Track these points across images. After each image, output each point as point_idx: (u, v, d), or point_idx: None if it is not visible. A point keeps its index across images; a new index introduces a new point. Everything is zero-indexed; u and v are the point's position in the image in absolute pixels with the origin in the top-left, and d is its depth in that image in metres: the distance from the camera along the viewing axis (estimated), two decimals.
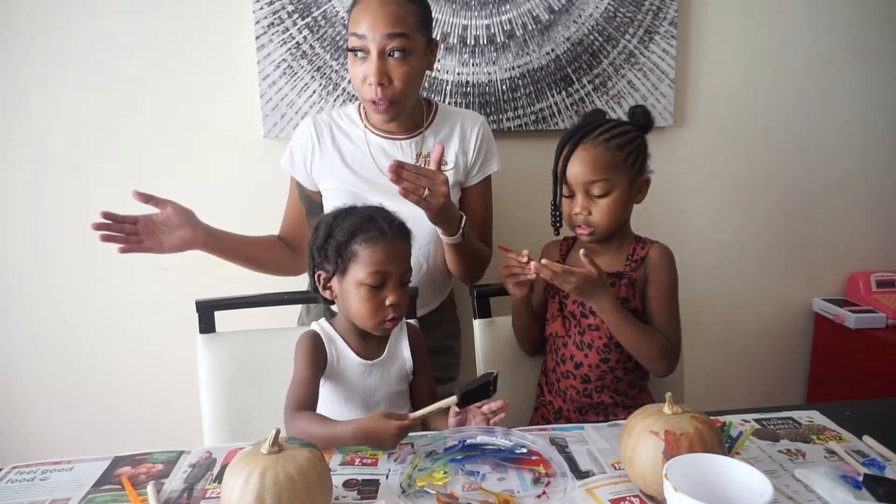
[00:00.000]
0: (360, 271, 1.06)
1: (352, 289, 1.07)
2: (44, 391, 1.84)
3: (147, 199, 1.23)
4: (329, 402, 1.15)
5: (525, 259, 1.17)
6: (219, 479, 0.93)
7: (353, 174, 1.38)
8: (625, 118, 1.27)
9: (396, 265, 1.07)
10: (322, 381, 1.12)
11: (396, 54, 1.24)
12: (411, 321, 1.30)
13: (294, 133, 1.44)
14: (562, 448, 0.99)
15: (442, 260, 1.45)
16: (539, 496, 0.86)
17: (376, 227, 1.07)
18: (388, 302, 1.06)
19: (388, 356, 1.15)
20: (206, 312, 1.32)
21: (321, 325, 1.15)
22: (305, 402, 1.05)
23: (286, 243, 1.47)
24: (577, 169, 1.18)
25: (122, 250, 1.21)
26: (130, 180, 1.74)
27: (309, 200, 1.45)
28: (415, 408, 1.15)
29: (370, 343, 1.14)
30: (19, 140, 1.71)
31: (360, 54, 1.26)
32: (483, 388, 0.99)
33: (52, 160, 1.72)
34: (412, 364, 1.17)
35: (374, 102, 1.28)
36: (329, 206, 1.39)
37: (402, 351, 1.17)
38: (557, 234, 1.31)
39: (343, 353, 1.13)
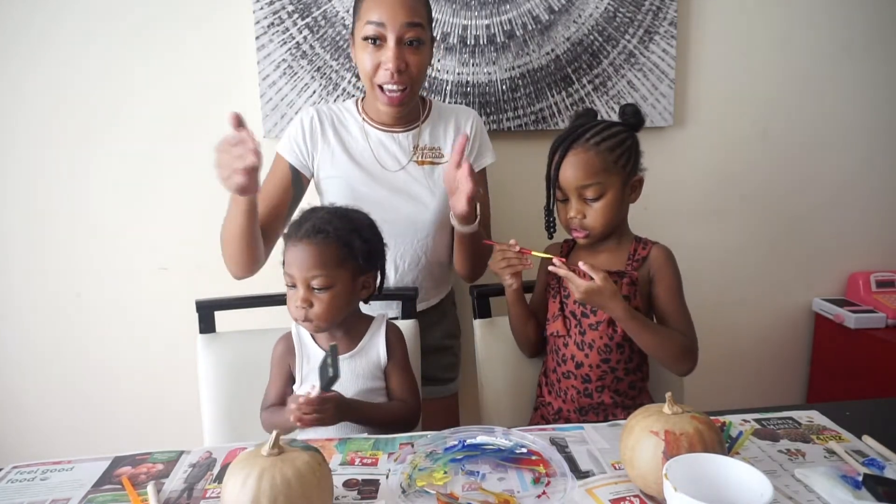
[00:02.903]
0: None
1: None
2: (44, 391, 1.84)
3: (239, 124, 1.09)
4: None
5: (517, 248, 1.21)
6: (219, 479, 0.93)
7: (355, 165, 1.39)
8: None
9: (297, 268, 1.08)
10: (301, 380, 1.16)
11: (413, 43, 1.27)
12: (396, 321, 1.29)
13: (294, 121, 1.41)
14: (562, 448, 0.99)
15: (442, 254, 1.46)
16: (539, 496, 0.86)
17: (293, 229, 1.10)
18: (295, 303, 1.08)
19: (358, 351, 1.16)
20: (206, 312, 1.32)
21: (296, 325, 1.17)
22: (272, 402, 1.16)
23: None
24: (570, 174, 1.19)
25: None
26: (130, 179, 1.76)
27: (298, 184, 1.41)
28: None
29: (338, 339, 1.16)
30: (19, 139, 1.71)
31: (376, 42, 1.27)
32: (324, 370, 1.01)
33: (52, 159, 1.72)
34: (386, 360, 1.17)
35: (384, 90, 1.29)
36: (328, 196, 1.39)
37: (376, 346, 1.17)
38: (551, 237, 1.32)
39: (311, 352, 1.16)
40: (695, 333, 1.23)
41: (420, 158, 1.40)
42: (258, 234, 1.25)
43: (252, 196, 1.16)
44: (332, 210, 1.14)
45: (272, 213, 1.37)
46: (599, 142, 1.18)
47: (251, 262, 1.29)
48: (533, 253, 1.21)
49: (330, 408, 1.03)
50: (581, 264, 1.14)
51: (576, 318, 1.25)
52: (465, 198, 1.18)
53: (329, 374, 0.99)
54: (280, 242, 1.17)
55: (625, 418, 0.92)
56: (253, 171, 1.08)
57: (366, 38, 1.27)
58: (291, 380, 1.18)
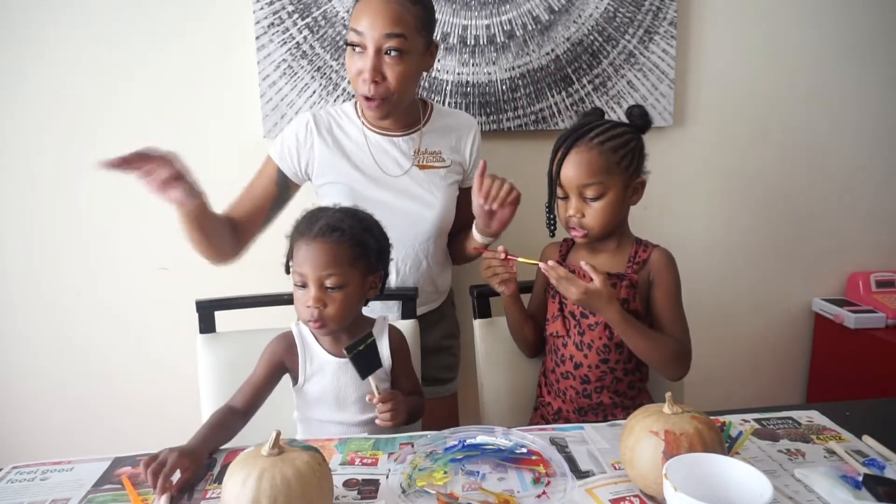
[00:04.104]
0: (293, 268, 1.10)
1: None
2: (44, 391, 1.84)
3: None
4: (306, 402, 1.16)
5: (503, 256, 1.20)
6: (219, 479, 0.93)
7: (354, 169, 1.38)
8: (623, 119, 1.27)
9: (310, 267, 1.06)
10: (304, 379, 1.15)
11: (393, 53, 1.25)
12: (398, 324, 1.29)
13: (289, 126, 1.42)
14: (562, 448, 0.99)
15: (442, 257, 1.47)
16: (539, 496, 0.86)
17: (304, 227, 1.09)
18: (306, 304, 1.07)
19: None
20: (206, 312, 1.32)
21: (298, 325, 1.16)
22: (239, 401, 1.10)
23: (232, 226, 1.37)
24: (571, 172, 1.18)
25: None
26: (130, 179, 1.75)
27: (285, 189, 1.42)
28: None
29: (343, 341, 1.14)
30: (19, 139, 1.71)
31: (357, 49, 1.27)
32: (363, 356, 1.07)
33: (52, 159, 1.72)
34: (390, 363, 1.17)
35: (366, 98, 1.29)
36: (327, 199, 1.38)
37: (380, 350, 1.16)
38: (552, 235, 1.31)
39: (315, 353, 1.15)
40: (689, 340, 1.22)
41: (421, 163, 1.40)
42: (213, 234, 1.27)
43: (189, 206, 1.16)
44: (342, 210, 1.14)
45: (251, 212, 1.39)
46: (603, 141, 1.18)
47: (214, 256, 1.32)
48: (519, 259, 1.20)
49: (400, 400, 1.09)
50: (583, 264, 1.14)
51: (575, 319, 1.25)
52: (500, 225, 1.29)
53: (374, 345, 1.07)
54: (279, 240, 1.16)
55: (624, 418, 0.92)
56: (172, 181, 1.10)
57: (349, 45, 1.27)
58: (278, 378, 1.15)
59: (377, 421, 1.09)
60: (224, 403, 1.11)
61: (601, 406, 1.25)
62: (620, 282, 1.21)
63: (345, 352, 1.06)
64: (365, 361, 1.07)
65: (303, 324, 1.16)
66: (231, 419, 1.08)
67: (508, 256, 1.21)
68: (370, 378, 1.08)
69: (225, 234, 1.32)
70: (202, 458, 0.98)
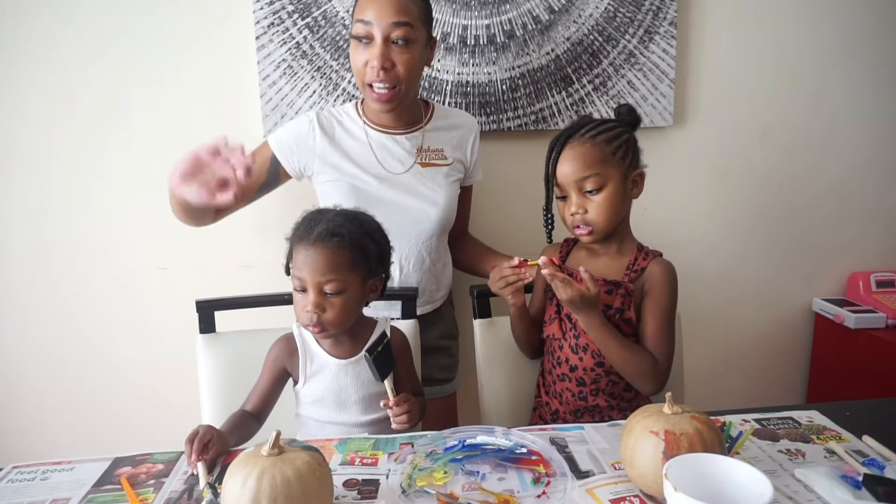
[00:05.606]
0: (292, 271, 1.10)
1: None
2: (44, 391, 1.84)
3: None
4: (306, 403, 1.16)
5: (516, 263, 1.19)
6: (219, 479, 0.93)
7: (357, 167, 1.39)
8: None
9: (309, 273, 1.06)
10: (304, 380, 1.15)
11: (400, 42, 1.27)
12: (398, 324, 1.29)
13: (293, 122, 1.42)
14: (562, 448, 0.99)
15: (444, 255, 1.48)
16: (539, 496, 0.86)
17: (303, 232, 1.08)
18: (305, 308, 1.07)
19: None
20: (206, 312, 1.32)
21: (299, 326, 1.16)
22: (250, 406, 1.14)
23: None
24: (568, 168, 1.18)
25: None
26: (131, 180, 1.75)
27: (275, 177, 1.42)
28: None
29: (344, 343, 1.14)
30: (22, 139, 1.70)
31: (363, 41, 1.28)
32: (380, 359, 1.08)
33: (54, 159, 1.72)
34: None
35: (373, 88, 1.29)
36: (329, 198, 1.39)
37: None
38: (550, 240, 1.31)
39: (315, 354, 1.15)
40: (669, 358, 1.20)
41: (424, 160, 1.41)
42: (197, 211, 1.31)
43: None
44: (342, 213, 1.12)
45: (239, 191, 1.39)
46: (595, 135, 1.18)
47: (191, 224, 1.39)
48: (529, 263, 1.20)
49: (413, 402, 1.09)
50: (582, 270, 1.13)
51: (571, 322, 1.25)
52: None
53: (389, 346, 1.10)
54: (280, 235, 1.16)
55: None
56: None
57: (356, 37, 1.29)
58: (283, 382, 1.16)
59: (393, 425, 1.09)
60: (239, 408, 1.13)
61: (597, 408, 1.25)
62: (616, 289, 1.20)
63: (365, 354, 1.07)
64: (383, 363, 1.07)
65: None
66: (248, 421, 1.10)
67: (520, 263, 1.20)
68: (386, 381, 1.08)
69: (204, 217, 1.37)
70: (228, 442, 1.01)
